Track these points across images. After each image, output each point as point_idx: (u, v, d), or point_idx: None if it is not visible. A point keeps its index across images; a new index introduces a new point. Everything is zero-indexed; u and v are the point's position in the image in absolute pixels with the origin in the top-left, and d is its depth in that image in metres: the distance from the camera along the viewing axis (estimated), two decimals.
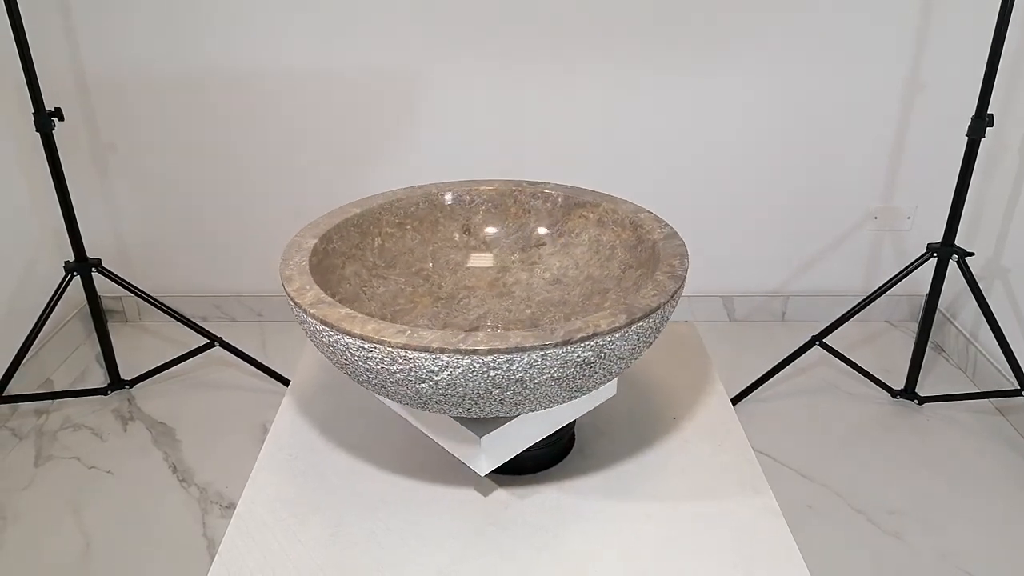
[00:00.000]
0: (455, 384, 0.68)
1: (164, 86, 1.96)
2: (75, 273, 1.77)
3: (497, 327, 0.90)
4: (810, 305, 2.24)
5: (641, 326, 0.71)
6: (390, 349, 0.67)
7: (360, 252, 0.96)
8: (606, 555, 0.75)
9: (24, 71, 1.57)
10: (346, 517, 0.79)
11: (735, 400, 1.88)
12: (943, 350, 2.11)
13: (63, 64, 1.93)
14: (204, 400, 1.90)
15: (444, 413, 0.74)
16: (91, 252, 2.15)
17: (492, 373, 0.67)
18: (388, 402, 0.88)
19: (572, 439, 0.90)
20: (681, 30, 1.90)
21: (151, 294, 1.89)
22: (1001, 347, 1.70)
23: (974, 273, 1.85)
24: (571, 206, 0.96)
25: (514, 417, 0.78)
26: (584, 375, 0.70)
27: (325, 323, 0.72)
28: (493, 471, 0.85)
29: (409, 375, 0.68)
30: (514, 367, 0.67)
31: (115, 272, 1.95)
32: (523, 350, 0.66)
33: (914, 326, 2.22)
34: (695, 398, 0.97)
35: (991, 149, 1.97)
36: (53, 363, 2.02)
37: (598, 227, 0.93)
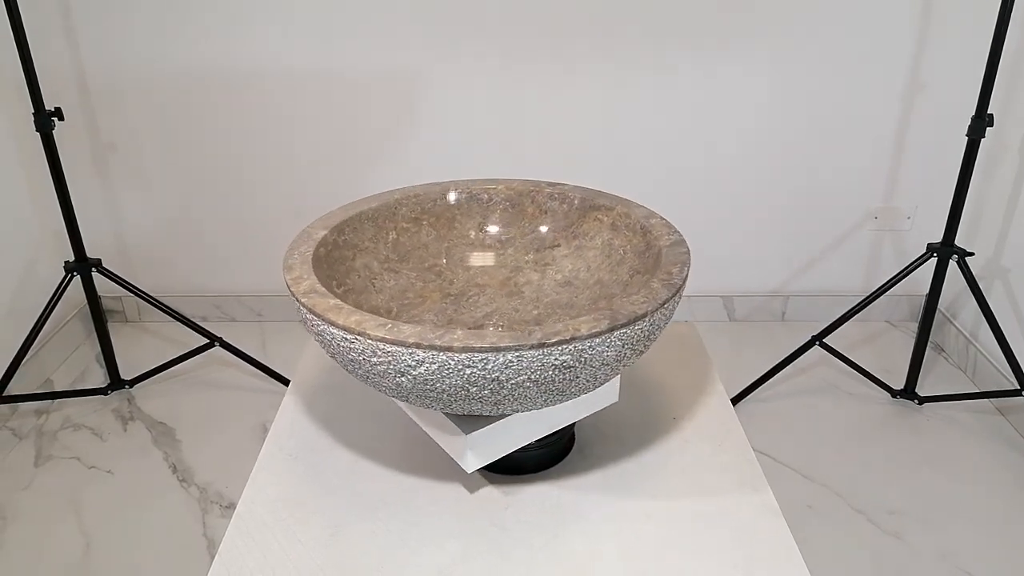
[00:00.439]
0: (432, 379, 0.69)
1: (164, 86, 1.96)
2: (75, 273, 1.77)
3: (501, 326, 0.90)
4: (810, 305, 2.24)
5: (625, 333, 0.70)
6: (370, 341, 0.69)
7: (373, 245, 0.96)
8: (606, 555, 0.75)
9: (24, 71, 1.57)
10: (346, 517, 0.79)
11: (735, 400, 1.88)
12: (943, 350, 2.11)
13: (63, 64, 1.93)
14: (204, 400, 1.90)
15: (429, 408, 0.75)
16: (91, 252, 2.15)
17: (468, 371, 0.67)
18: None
19: (572, 439, 0.90)
20: (681, 31, 1.90)
21: (151, 294, 1.89)
22: (1001, 347, 1.70)
23: (974, 273, 1.85)
24: (587, 209, 0.96)
25: (504, 416, 0.78)
26: (565, 379, 0.70)
27: (313, 312, 0.73)
28: (494, 471, 0.85)
29: (389, 368, 0.70)
30: (489, 366, 0.67)
31: (115, 272, 1.95)
32: (498, 350, 0.66)
33: (914, 326, 2.22)
34: (695, 398, 0.97)
35: (991, 149, 1.97)
36: (53, 363, 2.02)
37: (611, 231, 0.92)
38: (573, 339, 0.67)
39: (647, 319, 0.71)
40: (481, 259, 0.99)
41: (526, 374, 0.68)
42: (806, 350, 1.80)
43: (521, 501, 0.81)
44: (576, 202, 0.97)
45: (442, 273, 0.98)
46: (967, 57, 1.92)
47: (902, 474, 1.66)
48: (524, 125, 2.01)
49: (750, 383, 1.88)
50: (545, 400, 0.73)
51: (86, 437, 1.77)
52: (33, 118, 1.63)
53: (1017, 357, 1.78)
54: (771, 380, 1.94)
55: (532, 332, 0.68)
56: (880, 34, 1.90)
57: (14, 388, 1.83)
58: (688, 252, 0.82)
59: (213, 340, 1.85)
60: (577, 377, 0.71)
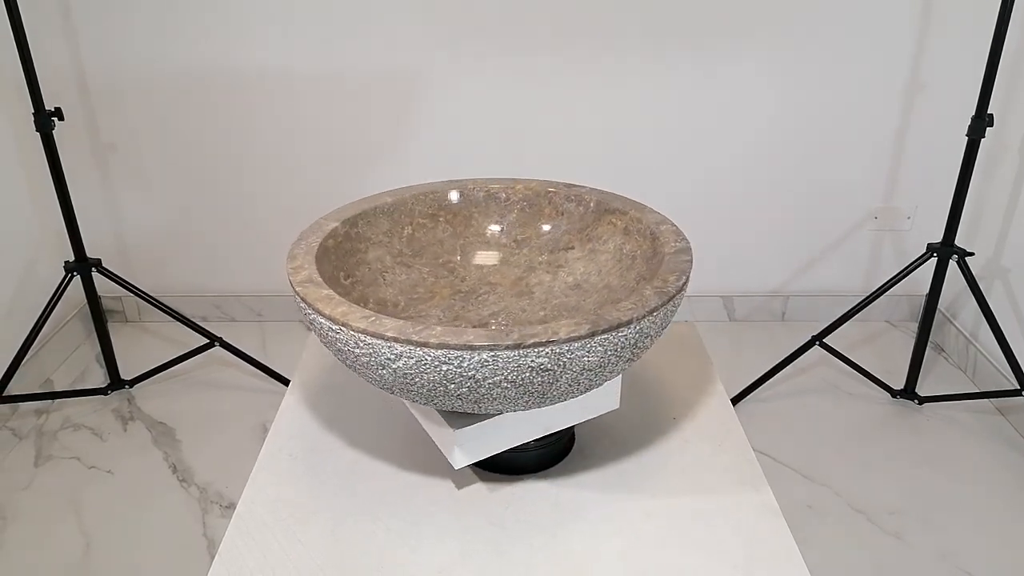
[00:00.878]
0: (411, 374, 0.70)
1: (164, 86, 1.96)
2: (75, 273, 1.77)
3: (505, 325, 0.90)
4: (810, 305, 2.24)
5: (608, 339, 0.69)
6: (353, 333, 0.70)
7: (388, 239, 0.97)
8: (606, 555, 0.75)
9: (24, 71, 1.57)
10: (346, 517, 0.79)
11: (735, 400, 1.88)
12: (943, 350, 2.11)
13: (63, 64, 1.93)
14: (204, 400, 1.90)
15: (416, 403, 0.75)
16: (91, 252, 2.15)
17: (444, 367, 0.68)
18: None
19: (572, 439, 0.90)
20: (681, 31, 1.90)
21: (151, 294, 1.89)
22: (1001, 347, 1.70)
23: (974, 273, 1.85)
24: (601, 212, 0.95)
25: (494, 415, 0.78)
26: (545, 382, 0.70)
27: (305, 300, 0.75)
28: (494, 471, 0.85)
29: (371, 360, 0.71)
30: (465, 364, 0.67)
31: (115, 272, 1.95)
32: (473, 348, 0.66)
33: (914, 326, 2.22)
34: (695, 398, 0.97)
35: (991, 149, 1.97)
36: (53, 363, 2.02)
37: (624, 236, 0.92)
38: (550, 342, 0.67)
39: (632, 326, 0.70)
40: (495, 258, 0.99)
41: (503, 374, 0.68)
42: (806, 350, 1.80)
43: (521, 501, 0.81)
44: (592, 205, 0.96)
45: (455, 270, 0.98)
46: (967, 57, 1.92)
47: (902, 474, 1.66)
48: (525, 125, 2.01)
49: (750, 383, 1.88)
50: (528, 402, 0.72)
51: (86, 437, 1.77)
52: (33, 118, 1.63)
53: (1017, 357, 1.78)
54: (771, 380, 1.94)
55: (510, 333, 0.68)
56: (880, 34, 1.90)
57: (14, 388, 1.83)
58: (690, 260, 0.81)
59: (213, 340, 1.85)
60: (557, 381, 0.70)
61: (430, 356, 0.67)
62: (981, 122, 1.57)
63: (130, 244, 2.16)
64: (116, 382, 1.91)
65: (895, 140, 2.03)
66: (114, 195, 2.10)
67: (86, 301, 2.07)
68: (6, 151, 1.89)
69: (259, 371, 1.96)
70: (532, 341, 0.67)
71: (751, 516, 0.79)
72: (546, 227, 0.99)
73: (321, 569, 0.73)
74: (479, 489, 0.83)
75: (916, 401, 1.87)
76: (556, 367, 0.69)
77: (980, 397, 1.79)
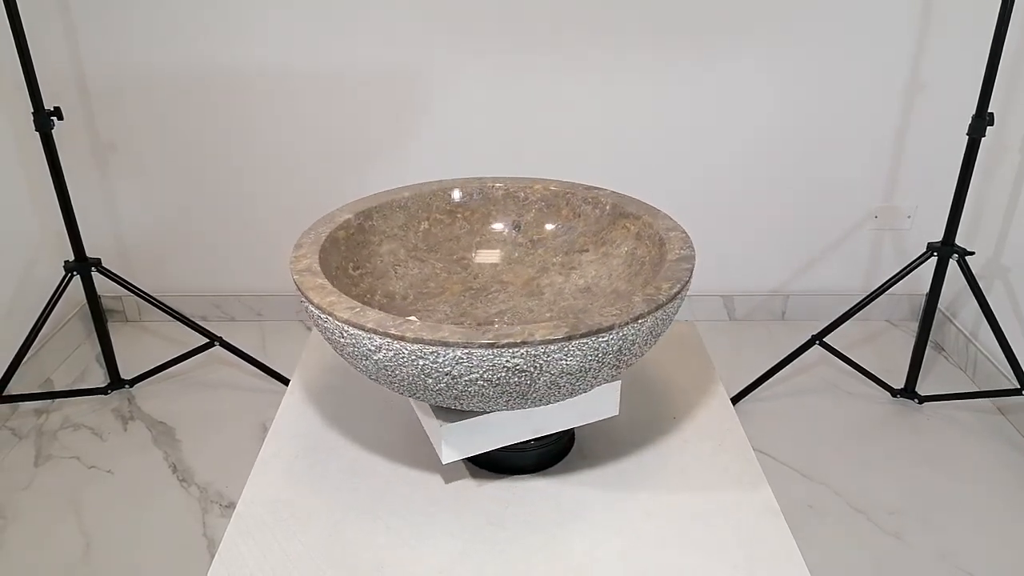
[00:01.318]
0: (390, 366, 0.71)
1: (164, 86, 1.96)
2: (75, 273, 1.77)
3: (508, 324, 0.90)
4: (810, 304, 2.24)
5: (587, 344, 0.69)
6: (337, 323, 0.72)
7: (403, 233, 0.98)
8: (606, 555, 0.75)
9: (24, 71, 1.57)
10: (346, 517, 0.79)
11: (735, 400, 1.88)
12: (943, 349, 2.11)
13: (63, 64, 1.93)
14: (204, 400, 1.90)
15: (403, 395, 0.76)
16: (91, 252, 2.15)
17: (421, 362, 0.69)
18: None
19: (572, 439, 0.90)
20: (681, 30, 1.90)
21: (151, 294, 1.89)
22: (1001, 346, 1.70)
23: (974, 272, 1.85)
24: (616, 216, 0.95)
25: (483, 413, 0.78)
26: (522, 383, 0.70)
27: (300, 288, 0.77)
28: (494, 471, 0.85)
29: (354, 351, 0.73)
30: (440, 360, 0.68)
31: (115, 272, 1.95)
32: (447, 345, 0.67)
33: (914, 325, 2.22)
34: (695, 398, 0.97)
35: (991, 148, 1.97)
36: (53, 363, 2.02)
37: (635, 241, 0.91)
38: (524, 343, 0.67)
39: (614, 332, 0.70)
40: (510, 256, 0.99)
41: (478, 372, 0.68)
42: (806, 349, 1.80)
43: (521, 500, 0.81)
44: (608, 208, 0.96)
45: (468, 267, 0.98)
46: (967, 56, 1.92)
47: (902, 474, 1.66)
48: (524, 123, 2.01)
49: (750, 383, 1.88)
50: (508, 402, 0.73)
51: (86, 437, 1.77)
52: (33, 118, 1.63)
53: (1017, 356, 1.78)
54: (771, 380, 1.94)
55: (486, 331, 0.68)
56: (880, 33, 1.90)
57: (14, 388, 1.83)
58: (690, 269, 0.80)
59: (213, 340, 1.85)
60: (535, 382, 0.70)
61: (407, 350, 0.69)
62: (981, 121, 1.57)
63: (130, 244, 2.16)
64: (116, 382, 1.91)
65: (895, 139, 2.03)
66: (114, 195, 2.10)
67: (86, 301, 2.07)
68: (6, 151, 1.89)
69: (259, 371, 1.96)
70: (506, 341, 0.67)
71: (751, 516, 0.79)
72: (563, 228, 0.99)
73: (321, 569, 0.73)
74: (479, 489, 0.83)
75: (916, 400, 1.87)
76: (532, 369, 0.69)
77: (980, 396, 1.79)
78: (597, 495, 0.82)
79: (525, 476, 0.85)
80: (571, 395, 0.75)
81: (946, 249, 1.70)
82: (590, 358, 0.70)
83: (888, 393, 1.90)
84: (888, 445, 1.74)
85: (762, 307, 2.25)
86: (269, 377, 1.96)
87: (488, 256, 1.00)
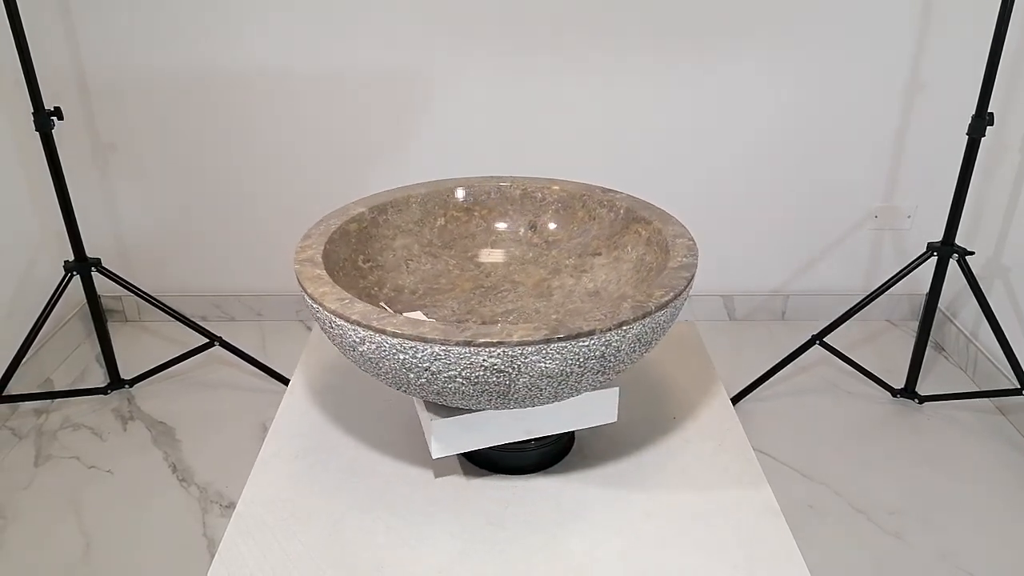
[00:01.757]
0: (374, 358, 0.72)
1: (164, 86, 1.96)
2: (75, 273, 1.77)
3: (511, 323, 0.90)
4: (810, 304, 2.24)
5: (567, 347, 0.68)
6: (326, 313, 0.73)
7: (418, 228, 0.99)
8: (606, 555, 0.75)
9: (24, 71, 1.57)
10: (346, 517, 0.79)
11: (735, 400, 1.88)
12: (943, 349, 2.11)
13: (63, 64, 1.93)
14: (204, 400, 1.90)
15: (392, 388, 0.77)
16: (91, 252, 2.15)
17: (401, 356, 0.70)
18: None
19: (572, 439, 0.90)
20: (681, 31, 1.89)
21: (151, 293, 1.89)
22: (1001, 346, 1.70)
23: (974, 272, 1.85)
24: (630, 220, 0.94)
25: (473, 411, 0.79)
26: (501, 383, 0.70)
27: (298, 277, 0.80)
28: (494, 470, 0.85)
29: (342, 341, 0.74)
30: (419, 355, 0.69)
31: (115, 272, 1.95)
32: (425, 340, 0.68)
33: (914, 325, 2.22)
34: (695, 398, 0.97)
35: (991, 148, 1.97)
36: (53, 363, 2.02)
37: (646, 246, 0.91)
38: (501, 343, 0.67)
39: (595, 337, 0.69)
40: (524, 256, 0.99)
41: (456, 369, 0.69)
42: (806, 349, 1.80)
43: (520, 500, 0.81)
44: (622, 212, 0.95)
45: (482, 265, 0.99)
46: (967, 56, 1.92)
47: (902, 473, 1.66)
48: (525, 125, 2.01)
49: (750, 383, 1.88)
50: (490, 401, 0.73)
51: (86, 437, 1.77)
52: (33, 118, 1.63)
53: (1017, 356, 1.78)
54: (771, 379, 1.94)
55: (464, 329, 0.69)
56: (880, 34, 1.90)
57: (14, 388, 1.83)
58: (689, 277, 0.78)
59: (213, 340, 1.85)
60: (514, 383, 0.70)
61: (387, 343, 0.70)
62: (981, 121, 1.57)
63: (130, 244, 2.16)
64: (116, 382, 1.91)
65: (895, 139, 2.03)
66: (114, 195, 2.10)
67: (86, 301, 2.07)
68: (6, 151, 1.89)
69: (259, 371, 1.96)
70: (483, 340, 0.67)
71: (751, 516, 0.79)
72: (578, 230, 0.99)
73: (321, 569, 0.73)
74: (479, 489, 0.83)
75: (916, 400, 1.87)
76: (511, 369, 0.69)
77: (980, 396, 1.79)
78: (597, 495, 0.82)
79: (525, 476, 0.85)
80: (555, 399, 0.75)
81: (946, 249, 1.70)
82: (571, 362, 0.70)
83: (888, 393, 1.90)
84: (888, 445, 1.74)
85: (762, 307, 2.25)
86: (269, 377, 1.96)
87: (502, 255, 1.00)
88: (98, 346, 2.03)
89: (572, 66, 1.94)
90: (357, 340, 0.72)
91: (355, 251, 0.91)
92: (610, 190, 0.99)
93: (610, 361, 0.72)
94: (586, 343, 0.69)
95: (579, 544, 0.76)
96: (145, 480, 1.64)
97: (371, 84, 1.96)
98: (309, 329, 2.20)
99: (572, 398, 0.80)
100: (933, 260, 1.73)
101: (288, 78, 1.95)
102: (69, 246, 2.09)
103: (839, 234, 2.15)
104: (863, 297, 1.79)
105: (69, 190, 1.99)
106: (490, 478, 0.84)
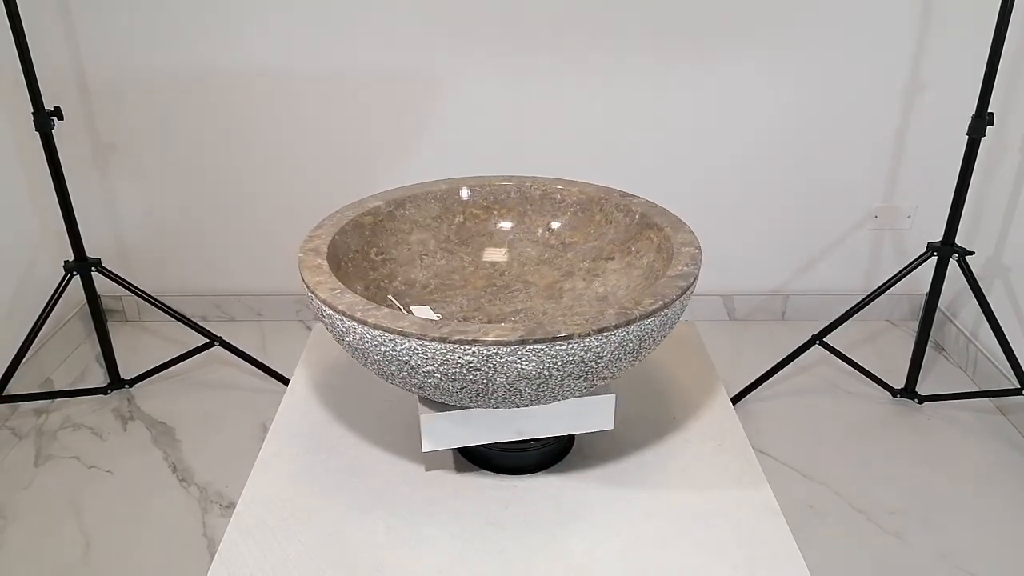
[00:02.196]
0: (360, 349, 0.74)
1: (164, 86, 1.96)
2: (75, 272, 1.77)
3: (515, 323, 0.90)
4: (810, 304, 2.24)
5: (543, 350, 0.68)
6: (319, 303, 0.76)
7: (436, 224, 1.00)
8: (606, 555, 0.75)
9: (24, 71, 1.57)
10: (346, 517, 0.79)
11: (735, 400, 1.88)
12: (943, 349, 2.11)
13: (63, 64, 1.93)
14: (204, 400, 1.90)
15: (382, 379, 0.79)
16: (91, 252, 2.15)
17: (382, 348, 0.71)
18: None
19: (572, 439, 0.90)
20: (681, 31, 1.89)
21: (151, 293, 1.89)
22: (1001, 346, 1.70)
23: (974, 272, 1.85)
24: (643, 226, 0.94)
25: (463, 408, 0.79)
26: (479, 381, 0.70)
27: (299, 265, 0.82)
28: (493, 470, 0.85)
29: (334, 330, 0.76)
30: (399, 349, 0.70)
31: (115, 271, 1.95)
32: (404, 334, 0.69)
33: (914, 325, 2.22)
34: (695, 398, 0.97)
35: (991, 148, 1.97)
36: (53, 363, 2.02)
37: (656, 253, 0.90)
38: (476, 342, 0.68)
39: (572, 342, 0.69)
40: (539, 257, 1.00)
41: (433, 365, 0.70)
42: (806, 349, 1.80)
43: (520, 501, 0.81)
44: (637, 217, 0.95)
45: (497, 263, 0.99)
46: (967, 56, 1.92)
47: (902, 473, 1.66)
48: (524, 125, 2.00)
49: (750, 383, 1.88)
50: (470, 399, 0.74)
51: (86, 437, 1.77)
52: (33, 118, 1.63)
53: (1017, 356, 1.78)
54: (771, 379, 1.94)
55: (442, 326, 0.69)
56: (880, 34, 1.90)
57: (14, 388, 1.83)
58: (685, 287, 0.77)
59: (213, 340, 1.85)
60: (491, 382, 0.70)
61: (370, 335, 0.71)
62: (981, 121, 1.57)
63: (130, 244, 2.16)
64: (116, 382, 1.91)
65: (895, 139, 2.03)
66: (114, 195, 2.10)
67: (86, 301, 2.07)
68: (6, 151, 1.89)
69: (259, 371, 1.96)
70: (458, 338, 0.68)
71: (751, 516, 0.79)
72: (594, 234, 0.98)
73: (321, 569, 0.73)
74: (479, 489, 0.83)
75: (916, 400, 1.87)
76: (487, 368, 0.69)
77: (980, 396, 1.79)
78: (597, 495, 0.82)
79: (525, 476, 0.85)
80: (538, 401, 0.75)
81: (946, 249, 1.70)
82: (548, 365, 0.70)
83: (888, 393, 1.90)
84: (888, 445, 1.74)
85: (762, 307, 2.25)
86: (269, 377, 1.96)
87: (517, 255, 1.00)
88: (98, 346, 2.03)
89: (572, 66, 1.94)
90: (344, 330, 0.74)
91: (368, 243, 0.93)
92: (628, 194, 0.99)
93: (592, 367, 0.72)
94: (563, 347, 0.69)
95: (579, 544, 0.76)
96: (145, 480, 1.64)
97: (371, 84, 1.96)
98: (309, 329, 2.20)
99: (565, 402, 0.80)
100: (933, 260, 1.73)
101: (288, 78, 1.95)
102: (69, 246, 2.09)
103: (839, 234, 2.15)
104: (863, 297, 1.79)
105: (69, 190, 1.99)
106: (490, 478, 0.84)
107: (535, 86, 1.96)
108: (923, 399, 1.86)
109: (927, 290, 1.90)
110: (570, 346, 0.69)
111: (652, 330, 0.74)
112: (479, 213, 1.01)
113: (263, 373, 1.96)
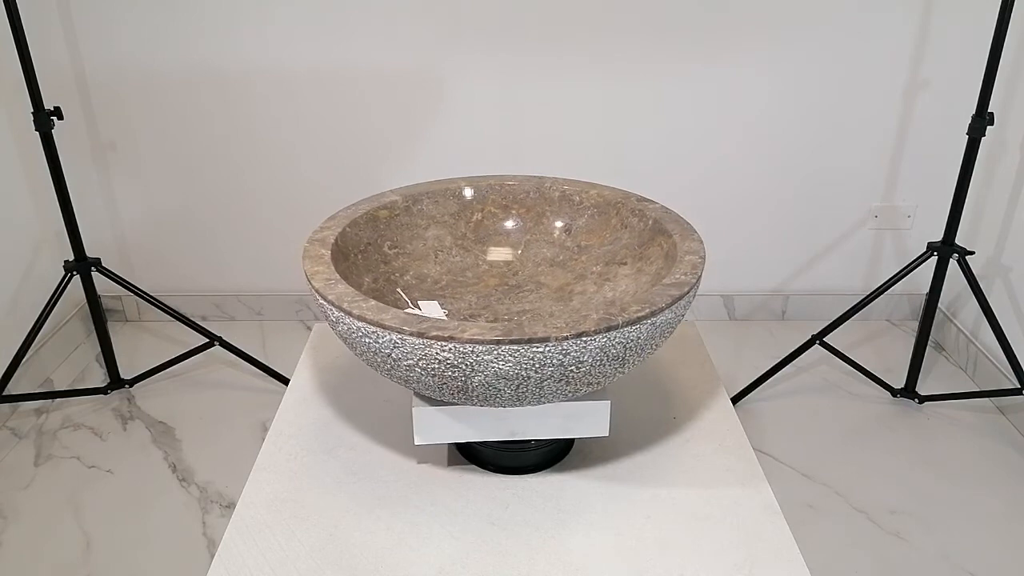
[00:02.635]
0: (349, 339, 0.75)
1: (164, 85, 1.96)
2: (75, 272, 1.77)
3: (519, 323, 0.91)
4: (810, 304, 2.24)
5: (520, 351, 0.68)
6: (315, 293, 0.77)
7: (454, 221, 1.00)
8: (606, 555, 0.75)
9: (23, 70, 1.57)
10: (346, 517, 0.79)
11: (735, 400, 1.88)
12: (943, 349, 2.11)
13: (63, 63, 1.93)
14: (204, 399, 1.90)
15: (372, 368, 0.81)
16: (91, 251, 2.15)
17: (367, 340, 0.73)
18: None
19: (572, 439, 0.90)
20: (681, 31, 1.89)
21: (151, 293, 1.89)
22: (1001, 346, 1.70)
23: (974, 272, 1.85)
24: (655, 232, 0.93)
25: (455, 404, 0.80)
26: (457, 378, 0.71)
27: (303, 255, 0.84)
28: (493, 470, 0.85)
29: (327, 319, 0.78)
30: (381, 341, 0.71)
31: (115, 271, 1.95)
32: (384, 327, 0.70)
33: (914, 325, 2.22)
34: (695, 398, 0.97)
35: (992, 148, 1.97)
36: (53, 362, 2.02)
37: (664, 260, 0.89)
38: (452, 339, 0.68)
39: (549, 344, 0.68)
40: (554, 259, 1.00)
41: (413, 359, 0.71)
42: (806, 349, 1.80)
43: (520, 500, 0.81)
44: (651, 222, 0.94)
45: (512, 263, 0.99)
46: (967, 55, 1.92)
47: (902, 473, 1.66)
48: (525, 124, 2.00)
49: (750, 382, 1.88)
50: (453, 395, 0.74)
51: (86, 436, 1.77)
52: (33, 117, 1.63)
53: (1017, 356, 1.78)
54: (771, 379, 1.94)
55: (421, 321, 0.70)
56: (880, 33, 1.90)
57: (14, 387, 1.83)
58: (677, 296, 0.75)
59: (213, 339, 1.84)
60: (469, 380, 0.71)
61: (355, 326, 0.72)
62: (982, 120, 1.57)
63: (130, 243, 2.16)
64: (116, 381, 1.91)
65: (895, 139, 2.03)
66: (114, 194, 2.10)
67: (86, 300, 2.07)
68: (6, 151, 1.89)
69: (259, 370, 1.96)
70: (435, 333, 0.68)
71: (751, 516, 0.79)
72: (609, 238, 0.98)
73: (321, 569, 0.73)
74: (479, 489, 0.83)
75: (916, 400, 1.87)
76: (464, 365, 0.69)
77: (980, 396, 1.79)
78: (597, 495, 0.82)
79: (525, 476, 0.85)
80: (519, 402, 0.74)
81: (946, 249, 1.70)
82: (526, 367, 0.69)
83: (888, 393, 1.90)
84: (888, 445, 1.74)
85: (762, 307, 2.25)
86: (269, 377, 1.96)
87: (532, 255, 1.00)
88: (98, 346, 2.03)
89: (573, 66, 1.94)
90: (334, 320, 0.75)
91: (382, 237, 0.94)
92: (645, 199, 0.98)
93: (572, 372, 0.71)
94: (540, 349, 0.68)
95: (579, 544, 0.76)
96: (145, 480, 1.64)
97: (372, 84, 1.96)
98: (309, 329, 2.20)
99: (558, 405, 0.80)
100: (933, 260, 1.73)
101: (288, 78, 1.95)
102: (69, 246, 2.09)
103: (839, 234, 2.15)
104: (863, 297, 1.79)
105: (69, 190, 1.99)
106: (490, 478, 0.84)
107: (535, 85, 1.96)
108: (923, 399, 1.86)
109: (927, 290, 1.89)
110: (547, 349, 0.69)
111: (638, 338, 0.73)
112: (497, 212, 1.02)
113: (263, 373, 1.96)
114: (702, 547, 0.75)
